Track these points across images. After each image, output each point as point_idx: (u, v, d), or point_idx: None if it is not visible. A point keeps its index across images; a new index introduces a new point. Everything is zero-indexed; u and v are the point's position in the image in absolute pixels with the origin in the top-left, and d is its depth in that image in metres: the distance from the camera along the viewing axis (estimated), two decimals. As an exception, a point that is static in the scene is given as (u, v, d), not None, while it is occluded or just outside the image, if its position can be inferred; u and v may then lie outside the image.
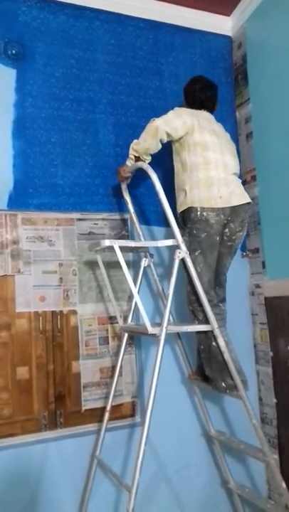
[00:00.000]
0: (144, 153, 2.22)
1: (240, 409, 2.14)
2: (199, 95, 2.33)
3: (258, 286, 2.73)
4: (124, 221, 2.56)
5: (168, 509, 2.46)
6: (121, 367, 2.34)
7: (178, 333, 2.42)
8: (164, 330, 1.96)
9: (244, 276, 2.81)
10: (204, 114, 2.30)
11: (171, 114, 2.19)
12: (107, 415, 2.25)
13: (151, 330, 1.96)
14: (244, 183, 2.83)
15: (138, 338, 2.49)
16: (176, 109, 2.24)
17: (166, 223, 2.12)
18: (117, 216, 2.54)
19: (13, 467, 2.13)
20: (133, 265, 2.50)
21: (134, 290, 2.01)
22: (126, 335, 2.32)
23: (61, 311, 2.34)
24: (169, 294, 2.02)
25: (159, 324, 2.00)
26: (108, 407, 2.26)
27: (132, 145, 2.27)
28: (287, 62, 2.46)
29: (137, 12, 2.73)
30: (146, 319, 1.95)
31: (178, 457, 2.51)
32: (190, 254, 2.09)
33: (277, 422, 2.56)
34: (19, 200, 2.32)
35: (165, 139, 2.19)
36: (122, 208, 2.54)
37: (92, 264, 2.41)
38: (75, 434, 2.29)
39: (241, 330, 2.69)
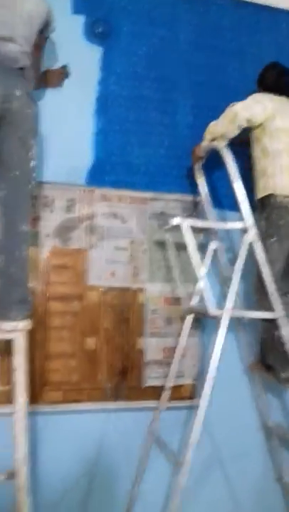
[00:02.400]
0: (221, 137, 2.20)
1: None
2: (277, 81, 2.28)
3: None
4: (196, 204, 2.54)
5: (220, 493, 2.46)
6: (183, 348, 2.34)
7: (242, 321, 2.39)
8: (226, 313, 1.94)
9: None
10: (284, 100, 2.24)
11: (250, 99, 2.16)
12: (166, 394, 2.28)
13: (213, 312, 1.95)
14: None
15: (203, 323, 2.48)
16: (256, 95, 2.21)
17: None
18: (189, 198, 2.53)
19: (76, 432, 2.22)
20: (203, 249, 2.48)
21: (201, 270, 2.00)
22: (190, 316, 2.32)
23: (129, 288, 2.38)
24: (234, 277, 1.99)
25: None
26: (168, 387, 2.28)
27: (208, 127, 2.26)
28: None
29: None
30: (209, 300, 1.95)
31: (234, 444, 2.48)
32: (266, 239, 2.06)
33: None
34: (97, 176, 2.37)
35: (244, 125, 2.15)
36: (195, 190, 2.51)
37: (162, 244, 2.43)
38: (135, 409, 2.33)
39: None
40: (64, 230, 2.28)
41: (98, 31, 2.41)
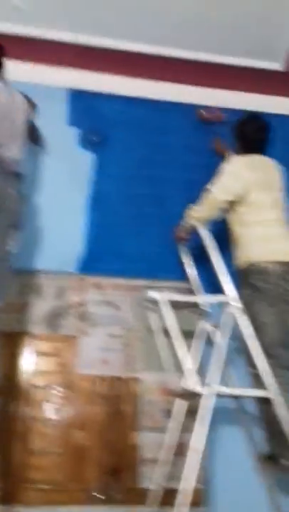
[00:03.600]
0: (204, 223, 2.27)
1: None
2: (253, 138, 2.30)
3: None
4: (192, 290, 2.52)
5: None
6: (181, 445, 2.13)
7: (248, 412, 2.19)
8: (208, 389, 1.80)
9: None
10: (257, 159, 2.27)
11: (227, 176, 2.21)
12: (160, 498, 2.04)
13: (194, 388, 1.82)
14: None
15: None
16: (233, 163, 2.24)
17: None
18: (185, 285, 2.52)
19: None
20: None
21: (181, 349, 1.91)
22: (181, 404, 2.13)
23: (123, 377, 2.30)
24: (218, 353, 1.90)
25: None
26: (160, 489, 2.05)
27: (189, 212, 2.33)
28: None
29: (213, 101, 2.94)
30: (190, 376, 1.84)
31: None
32: (254, 305, 2.00)
33: None
34: (90, 264, 2.47)
35: (225, 206, 2.21)
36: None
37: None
38: (130, 515, 2.08)
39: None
40: (53, 317, 2.31)
41: (92, 140, 2.69)
